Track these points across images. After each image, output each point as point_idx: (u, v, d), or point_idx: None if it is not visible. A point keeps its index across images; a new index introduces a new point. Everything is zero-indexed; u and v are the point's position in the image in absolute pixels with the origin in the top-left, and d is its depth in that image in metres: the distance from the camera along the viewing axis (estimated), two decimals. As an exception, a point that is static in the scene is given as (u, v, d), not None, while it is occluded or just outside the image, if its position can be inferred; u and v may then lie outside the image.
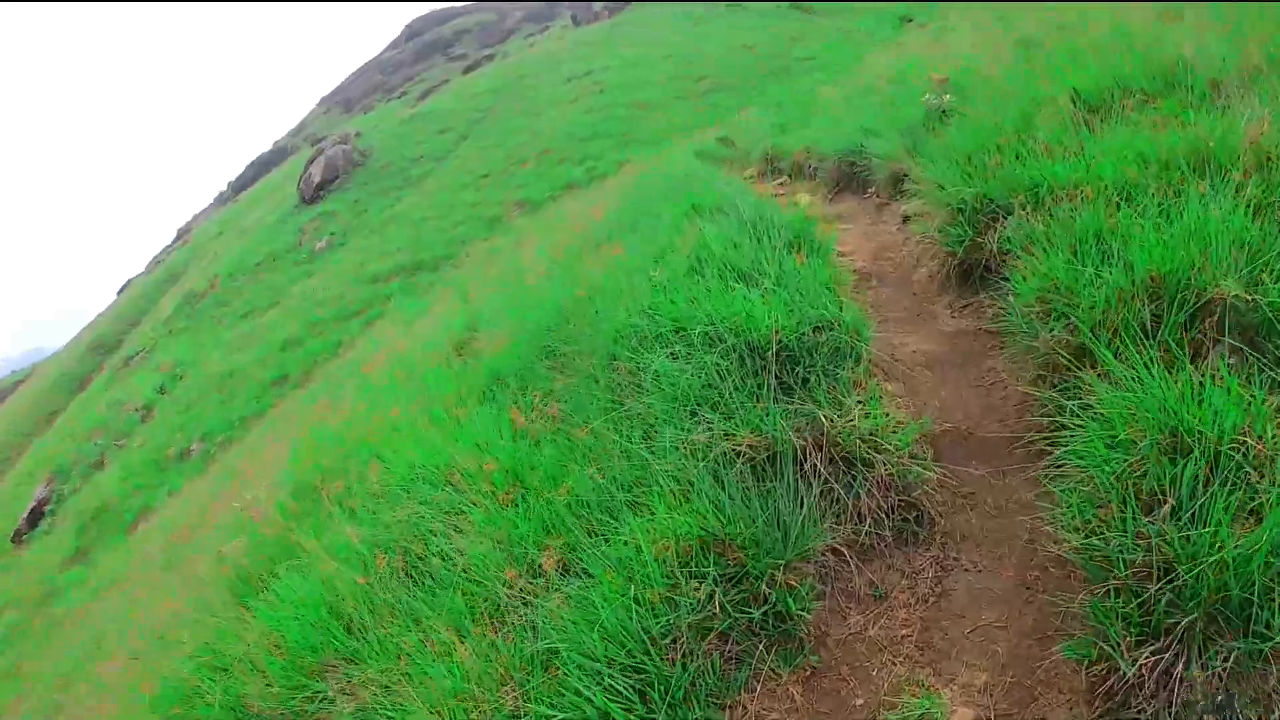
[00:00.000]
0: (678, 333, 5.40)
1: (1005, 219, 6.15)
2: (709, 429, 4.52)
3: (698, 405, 4.74)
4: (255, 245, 43.12)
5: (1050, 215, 5.63)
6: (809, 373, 4.87)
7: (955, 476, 4.75)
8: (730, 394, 4.70)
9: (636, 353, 5.55)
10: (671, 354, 5.17)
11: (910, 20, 29.81)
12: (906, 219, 8.71)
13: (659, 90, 38.84)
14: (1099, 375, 4.26)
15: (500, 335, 8.74)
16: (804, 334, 5.00)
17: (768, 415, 4.50)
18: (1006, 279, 5.65)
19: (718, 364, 4.86)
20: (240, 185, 70.51)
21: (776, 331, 4.90)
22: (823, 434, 4.44)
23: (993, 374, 5.63)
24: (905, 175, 9.31)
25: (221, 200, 71.53)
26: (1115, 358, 4.17)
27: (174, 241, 68.36)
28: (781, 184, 13.96)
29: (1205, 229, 4.77)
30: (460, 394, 7.37)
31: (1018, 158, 6.51)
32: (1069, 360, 4.68)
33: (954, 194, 6.58)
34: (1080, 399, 4.23)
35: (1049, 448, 4.40)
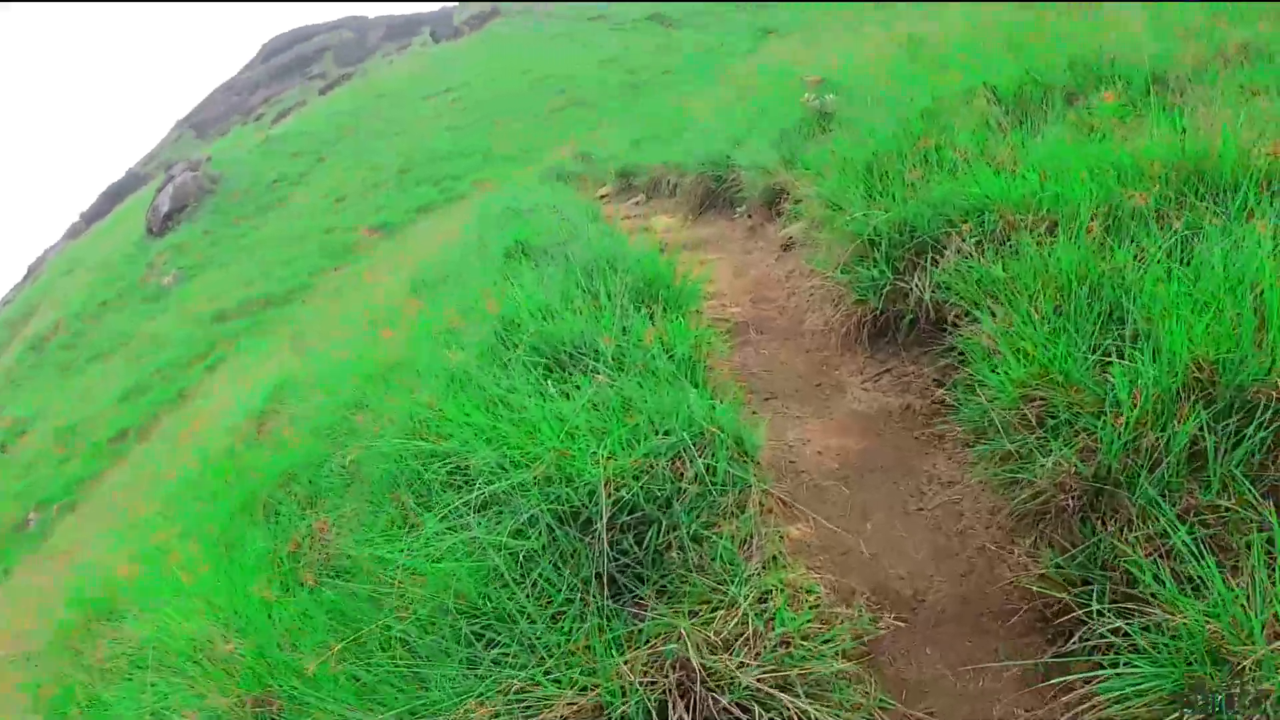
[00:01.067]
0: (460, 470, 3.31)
1: (937, 254, 4.26)
2: (497, 683, 2.41)
3: (484, 625, 2.64)
4: (103, 282, 38.95)
5: (1014, 252, 3.75)
6: (668, 537, 2.83)
7: (913, 692, 2.78)
8: (534, 600, 2.61)
9: (416, 490, 3.48)
10: (445, 515, 3.05)
11: (772, 32, 28.51)
12: (787, 246, 6.79)
13: (518, 106, 36.70)
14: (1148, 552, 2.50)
15: (308, 411, 6.54)
16: (656, 473, 2.94)
17: (596, 645, 2.43)
18: (954, 350, 3.79)
19: (513, 543, 2.76)
20: (92, 216, 64.62)
21: (609, 482, 2.83)
22: (692, 677, 2.38)
23: (939, 485, 3.70)
24: (783, 191, 7.41)
25: (74, 233, 65.52)
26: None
27: (24, 279, 62.61)
28: (637, 203, 11.98)
29: (1240, 278, 2.98)
30: (239, 507, 5.41)
31: (943, 169, 4.65)
32: (1082, 502, 2.82)
33: (860, 220, 4.64)
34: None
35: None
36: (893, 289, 4.39)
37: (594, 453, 2.91)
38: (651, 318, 4.43)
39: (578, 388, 3.53)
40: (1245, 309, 2.84)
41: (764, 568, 2.91)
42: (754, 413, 4.22)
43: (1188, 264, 3.26)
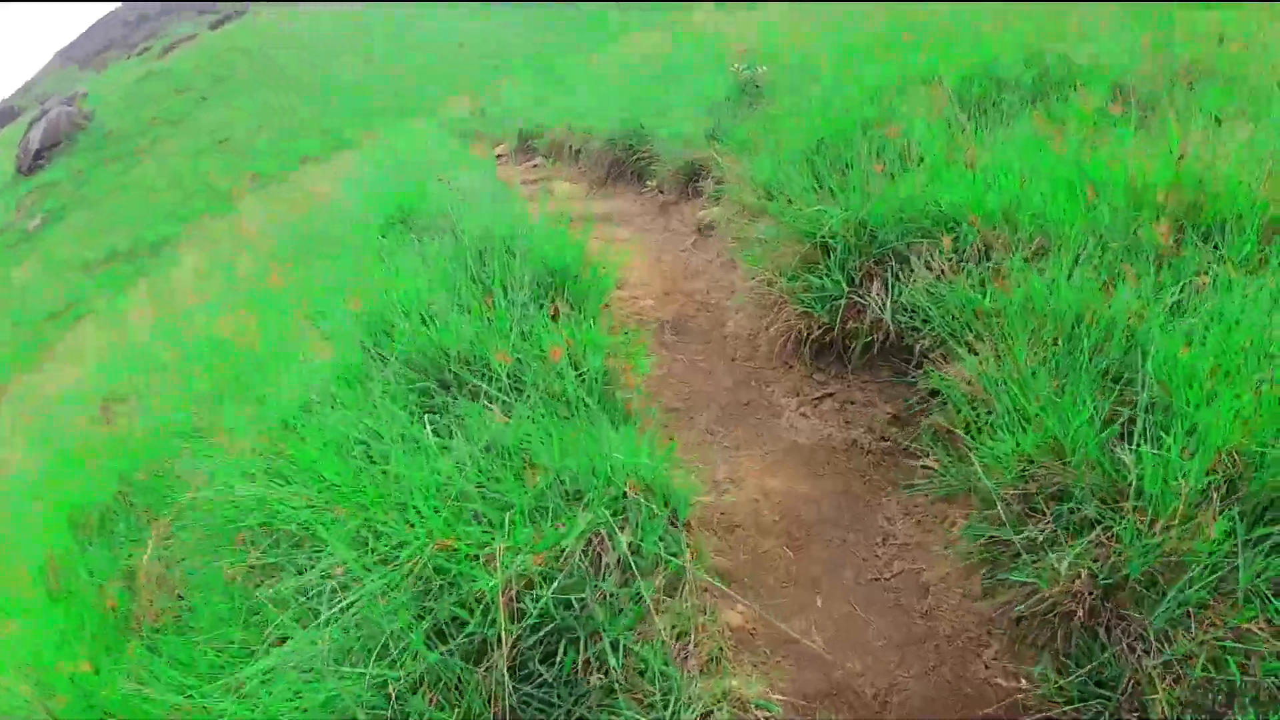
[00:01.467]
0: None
1: (900, 266, 3.62)
2: None
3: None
4: (-37, 226, 35.98)
5: (995, 273, 3.15)
6: (584, 653, 2.12)
7: None
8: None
9: (260, 543, 2.70)
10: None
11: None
12: (705, 229, 6.10)
13: (418, 55, 34.96)
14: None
15: (158, 403, 5.55)
16: (569, 564, 2.22)
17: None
18: (915, 384, 3.18)
19: (377, 672, 2.01)
20: (-35, 153, 59.80)
21: (508, 587, 2.09)
22: None
23: (897, 547, 3.09)
24: (703, 168, 6.70)
25: (-59, 166, 60.54)
26: None
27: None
28: (535, 166, 11.10)
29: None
30: (69, 521, 4.44)
31: (908, 164, 4.03)
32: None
33: (811, 218, 3.96)
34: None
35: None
36: (849, 305, 3.73)
37: (486, 546, 2.16)
38: (555, 317, 3.70)
39: (463, 422, 2.77)
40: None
41: (703, 671, 2.25)
42: (672, 438, 3.54)
43: (1192, 314, 2.73)
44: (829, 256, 3.80)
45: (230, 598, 2.60)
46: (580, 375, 3.18)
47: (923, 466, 3.18)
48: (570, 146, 10.50)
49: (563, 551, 2.18)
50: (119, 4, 74.28)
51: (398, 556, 2.12)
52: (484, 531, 2.24)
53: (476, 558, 2.14)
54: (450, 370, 3.18)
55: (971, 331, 3.04)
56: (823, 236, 3.81)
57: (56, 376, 14.04)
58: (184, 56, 47.44)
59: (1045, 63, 5.41)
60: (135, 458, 4.63)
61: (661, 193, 7.41)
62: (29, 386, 15.54)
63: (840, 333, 3.77)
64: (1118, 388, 2.61)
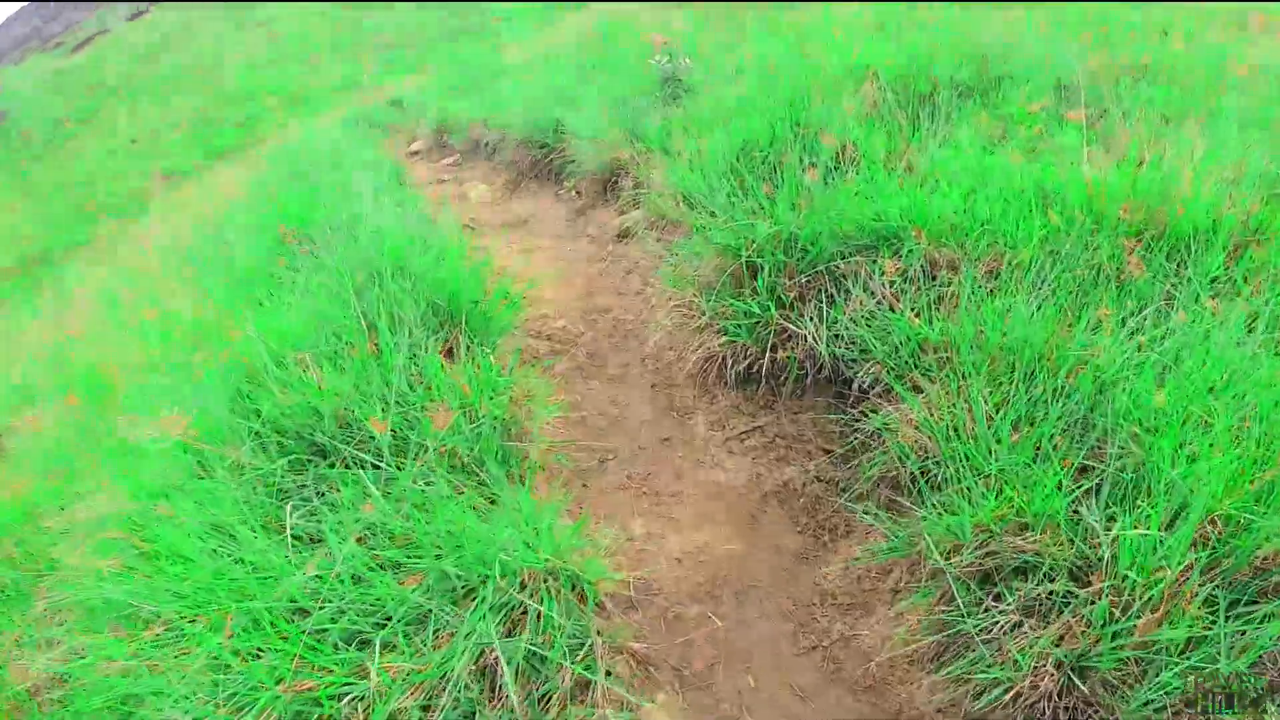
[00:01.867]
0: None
1: (835, 287, 3.25)
2: None
3: None
4: None
5: (939, 299, 2.81)
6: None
7: None
8: None
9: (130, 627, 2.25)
10: None
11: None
12: (624, 236, 5.68)
13: (335, 45, 33.87)
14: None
15: (40, 442, 4.93)
16: (455, 690, 1.81)
17: None
18: (854, 420, 2.82)
19: None
20: None
21: None
22: None
23: (835, 609, 2.72)
24: (622, 169, 6.27)
25: None
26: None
27: None
28: (453, 164, 10.57)
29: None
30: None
31: (842, 170, 3.67)
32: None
33: (734, 232, 3.56)
34: None
35: None
36: (781, 333, 3.35)
37: (354, 679, 1.73)
38: (452, 351, 3.27)
39: (337, 502, 2.32)
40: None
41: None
42: (582, 507, 3.13)
43: (1159, 345, 2.41)
44: (756, 276, 3.41)
45: None
46: (477, 429, 2.75)
47: (864, 512, 2.82)
48: (486, 143, 10.00)
49: (446, 676, 1.76)
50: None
51: (253, 702, 1.68)
52: (355, 653, 1.81)
53: (342, 697, 1.71)
54: (324, 434, 2.72)
55: (918, 367, 2.69)
56: (749, 256, 3.41)
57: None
58: (98, 50, 45.57)
59: (984, 58, 5.09)
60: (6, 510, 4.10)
61: (578, 195, 6.97)
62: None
63: (769, 361, 3.39)
64: (1085, 438, 2.28)
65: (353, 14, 37.29)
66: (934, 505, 2.34)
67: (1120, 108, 4.19)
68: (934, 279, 2.99)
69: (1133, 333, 2.51)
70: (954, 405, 2.44)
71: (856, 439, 3.01)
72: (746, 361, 3.45)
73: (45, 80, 41.46)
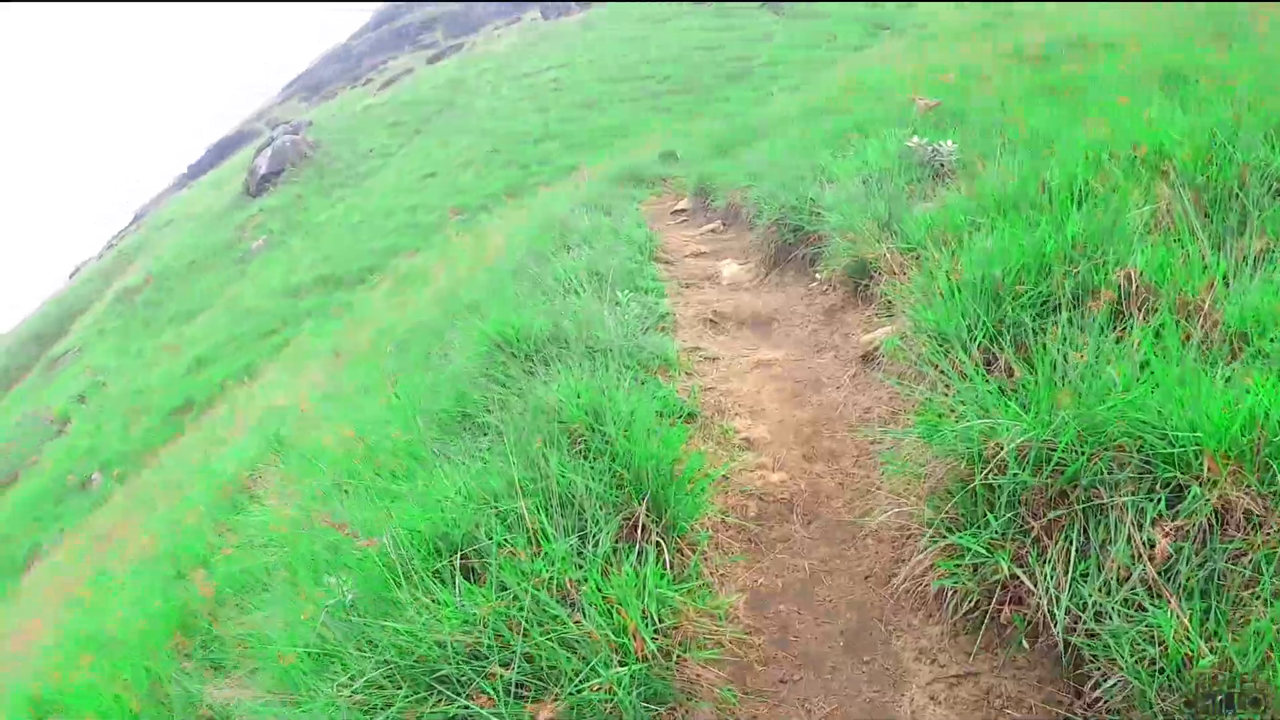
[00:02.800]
0: None
1: (1094, 521, 2.45)
2: None
3: None
4: (195, 239, 38.74)
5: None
6: None
7: None
8: None
9: None
10: None
11: (887, 29, 26.50)
12: (870, 356, 4.90)
13: (616, 92, 34.80)
14: None
15: (263, 518, 5.03)
16: None
17: None
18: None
19: None
20: (198, 170, 64.35)
21: None
22: None
23: None
24: (875, 264, 5.51)
25: (179, 184, 65.91)
26: None
27: (130, 224, 62.80)
28: (712, 231, 10.18)
29: None
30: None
31: (1116, 335, 2.89)
32: None
33: (972, 434, 2.81)
34: None
35: None
36: (1004, 582, 2.58)
37: None
38: (641, 554, 2.79)
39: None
40: None
41: None
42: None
43: None
44: (991, 501, 2.66)
45: None
46: (626, 663, 2.25)
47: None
48: (746, 211, 9.50)
49: None
50: (347, 42, 79.16)
51: None
52: None
53: None
54: (450, 664, 2.31)
55: (1189, 709, 1.89)
56: (988, 472, 2.66)
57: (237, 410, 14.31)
58: (401, 91, 49.73)
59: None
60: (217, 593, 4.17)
61: (830, 289, 6.29)
62: (213, 423, 15.96)
63: (996, 606, 2.63)
64: None
65: (630, 62, 38.15)
66: None
67: None
68: (1225, 537, 2.13)
69: None
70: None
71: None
72: (968, 600, 2.71)
73: (352, 116, 45.63)
